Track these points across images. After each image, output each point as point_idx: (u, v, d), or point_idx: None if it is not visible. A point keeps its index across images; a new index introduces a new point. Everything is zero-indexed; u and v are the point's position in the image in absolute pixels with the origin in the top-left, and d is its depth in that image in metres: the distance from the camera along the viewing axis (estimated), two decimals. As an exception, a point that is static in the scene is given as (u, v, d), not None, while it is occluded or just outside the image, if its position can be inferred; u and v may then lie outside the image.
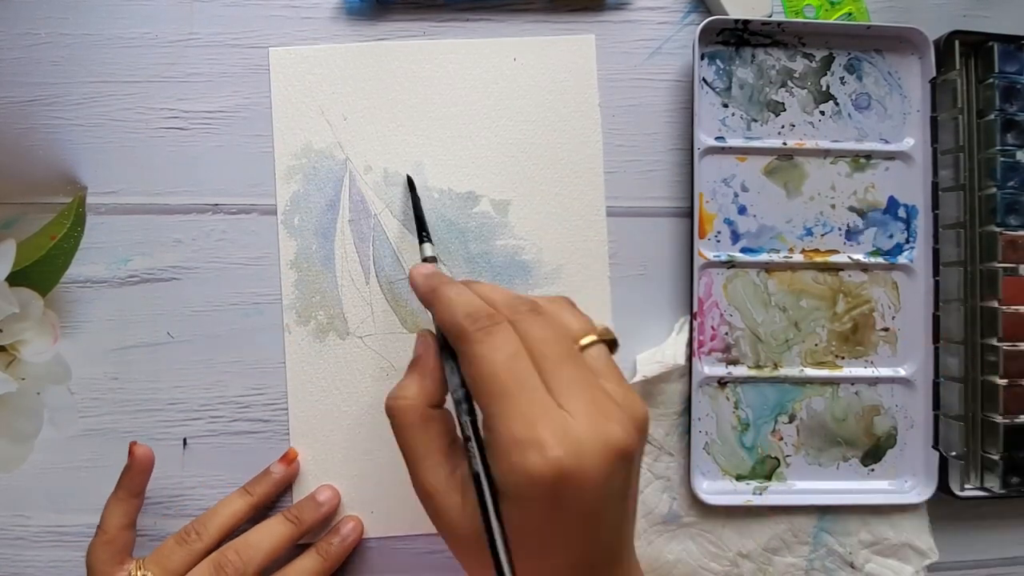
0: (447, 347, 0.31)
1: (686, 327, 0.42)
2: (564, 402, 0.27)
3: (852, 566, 0.42)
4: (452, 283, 0.32)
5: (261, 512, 0.41)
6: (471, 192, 0.43)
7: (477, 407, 0.29)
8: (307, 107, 0.43)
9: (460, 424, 0.29)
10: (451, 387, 0.31)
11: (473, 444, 0.28)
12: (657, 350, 0.42)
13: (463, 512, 0.29)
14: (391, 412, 0.31)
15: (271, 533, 0.39)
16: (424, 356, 0.32)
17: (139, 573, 0.36)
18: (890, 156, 0.43)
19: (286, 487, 0.41)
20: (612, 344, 0.31)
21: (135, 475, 0.38)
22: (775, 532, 0.42)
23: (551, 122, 0.43)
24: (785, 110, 0.43)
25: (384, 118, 0.43)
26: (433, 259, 0.38)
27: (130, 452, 0.38)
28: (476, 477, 0.27)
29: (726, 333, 0.43)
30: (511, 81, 0.43)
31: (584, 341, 0.30)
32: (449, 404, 0.31)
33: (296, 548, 0.40)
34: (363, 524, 0.41)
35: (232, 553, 0.37)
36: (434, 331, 0.33)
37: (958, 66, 0.42)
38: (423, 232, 0.39)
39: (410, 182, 0.42)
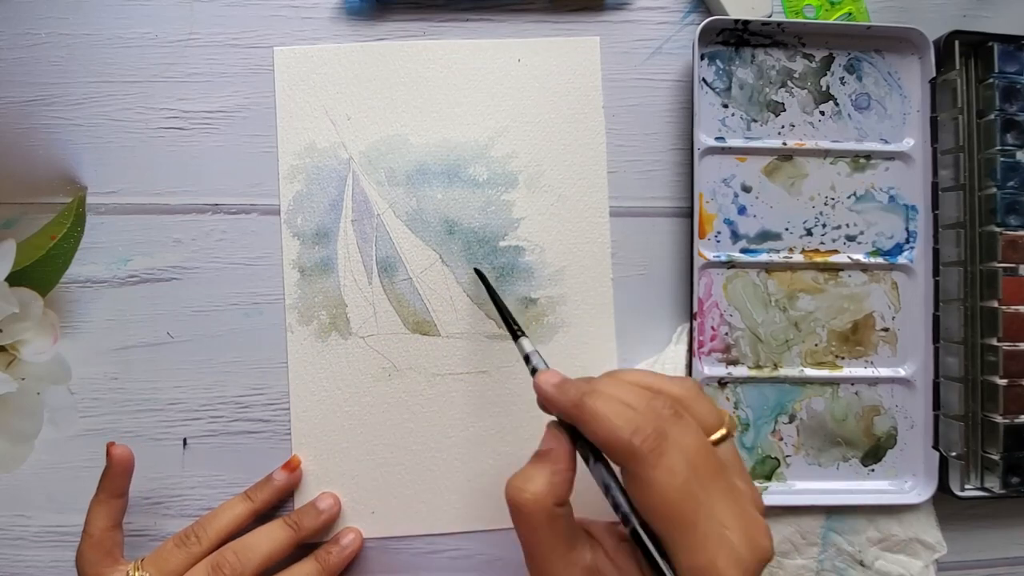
0: (590, 449, 0.31)
1: (684, 336, 0.42)
2: (720, 515, 0.28)
3: (862, 564, 0.42)
4: (593, 391, 0.30)
5: (262, 518, 0.40)
6: (474, 193, 0.43)
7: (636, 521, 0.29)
8: (311, 106, 0.42)
9: (630, 532, 0.29)
10: (614, 501, 0.30)
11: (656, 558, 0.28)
12: (656, 360, 0.42)
13: None
14: (515, 504, 0.30)
15: (270, 537, 0.39)
16: (556, 452, 0.31)
17: (137, 574, 0.36)
18: (890, 156, 0.43)
19: (288, 494, 0.41)
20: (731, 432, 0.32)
21: (115, 476, 0.38)
22: (783, 535, 0.42)
23: (555, 124, 0.43)
24: (785, 110, 0.43)
25: (388, 118, 0.43)
26: (534, 352, 0.36)
27: (108, 453, 0.38)
28: None
29: (726, 333, 0.43)
30: (515, 82, 0.43)
31: (715, 437, 0.31)
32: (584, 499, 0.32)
33: (293, 554, 0.39)
34: (363, 534, 0.41)
35: (230, 554, 0.37)
36: (557, 422, 0.32)
37: (958, 66, 0.42)
38: (513, 326, 0.37)
39: (479, 276, 0.41)
